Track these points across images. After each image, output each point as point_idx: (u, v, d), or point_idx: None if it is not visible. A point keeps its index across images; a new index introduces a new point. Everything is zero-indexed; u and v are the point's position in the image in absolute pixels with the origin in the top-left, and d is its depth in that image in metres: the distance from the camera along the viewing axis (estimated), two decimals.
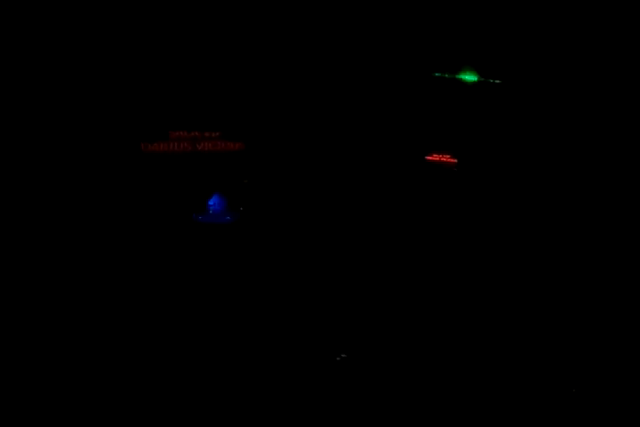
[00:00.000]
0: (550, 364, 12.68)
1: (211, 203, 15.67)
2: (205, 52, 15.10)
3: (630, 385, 12.08)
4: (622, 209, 14.99)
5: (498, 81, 15.50)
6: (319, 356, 12.66)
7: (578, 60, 15.08)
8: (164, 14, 14.61)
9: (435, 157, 16.08)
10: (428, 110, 15.86)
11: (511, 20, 14.60)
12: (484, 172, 15.88)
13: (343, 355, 12.41)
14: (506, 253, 14.78)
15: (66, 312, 12.97)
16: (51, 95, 14.61)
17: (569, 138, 15.55)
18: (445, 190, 15.90)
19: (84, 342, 12.43)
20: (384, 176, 15.87)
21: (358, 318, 13.61)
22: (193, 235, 14.96)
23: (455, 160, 16.06)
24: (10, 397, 10.97)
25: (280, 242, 14.95)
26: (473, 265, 14.64)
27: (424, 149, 16.06)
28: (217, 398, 11.56)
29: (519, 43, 15.11)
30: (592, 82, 15.29)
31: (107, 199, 14.73)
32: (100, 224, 14.48)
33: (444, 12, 14.50)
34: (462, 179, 15.98)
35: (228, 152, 15.57)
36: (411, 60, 15.46)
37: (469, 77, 15.61)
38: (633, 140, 15.20)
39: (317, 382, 12.08)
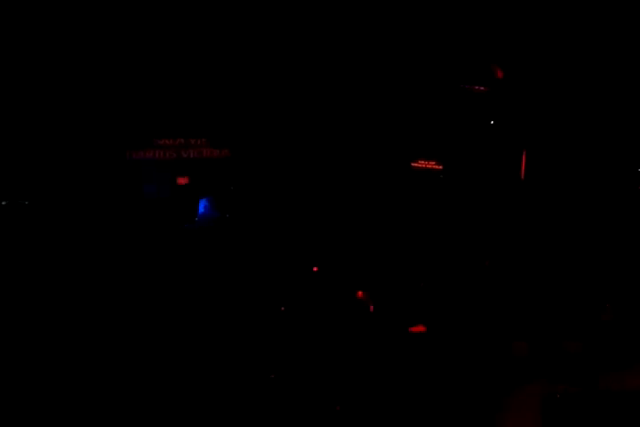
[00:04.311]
0: None
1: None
2: (189, 60, 15.08)
3: None
4: (602, 215, 15.10)
5: (482, 88, 15.47)
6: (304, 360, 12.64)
7: (561, 68, 15.05)
8: (148, 25, 14.57)
9: (420, 164, 16.09)
10: (413, 117, 15.84)
11: (495, 27, 14.56)
12: (470, 178, 15.90)
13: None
14: (489, 259, 14.81)
15: (45, 317, 12.95)
16: (35, 103, 14.62)
17: (553, 145, 15.57)
18: (431, 197, 15.92)
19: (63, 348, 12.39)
20: (370, 182, 15.89)
21: (338, 322, 13.64)
22: (179, 240, 15.01)
23: (441, 167, 16.08)
24: (10, 397, 10.96)
25: (265, 247, 14.98)
26: (457, 270, 14.66)
27: (410, 156, 16.07)
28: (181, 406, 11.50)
29: (503, 51, 15.07)
30: (574, 89, 15.30)
31: (92, 206, 14.78)
32: (85, 231, 14.52)
33: (427, 21, 14.45)
34: (448, 185, 16.00)
35: (213, 159, 15.61)
36: (396, 67, 15.42)
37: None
38: (613, 148, 15.31)
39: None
